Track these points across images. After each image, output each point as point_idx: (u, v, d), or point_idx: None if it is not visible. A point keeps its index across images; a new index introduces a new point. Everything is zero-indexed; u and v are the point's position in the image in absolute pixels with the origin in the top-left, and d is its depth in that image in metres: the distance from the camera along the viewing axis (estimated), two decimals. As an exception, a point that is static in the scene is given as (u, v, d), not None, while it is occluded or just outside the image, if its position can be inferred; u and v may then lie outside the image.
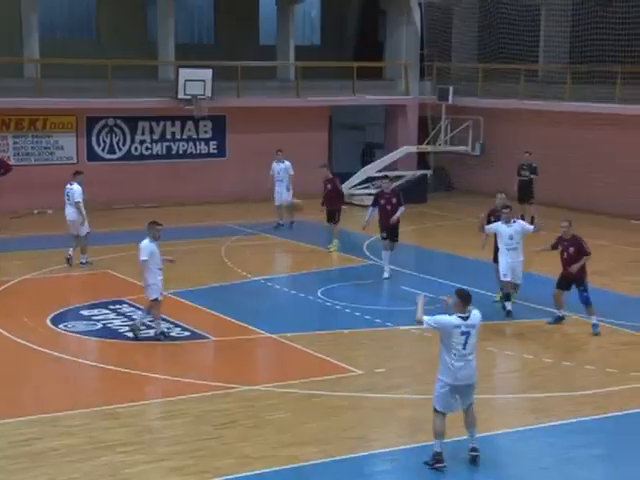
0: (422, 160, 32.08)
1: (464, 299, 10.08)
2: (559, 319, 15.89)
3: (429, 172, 31.29)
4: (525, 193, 25.03)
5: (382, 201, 18.95)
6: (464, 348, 9.96)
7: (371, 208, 19.37)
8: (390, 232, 18.95)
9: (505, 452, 11.24)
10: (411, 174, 30.20)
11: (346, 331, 15.62)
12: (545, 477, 10.29)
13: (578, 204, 26.71)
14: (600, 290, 17.64)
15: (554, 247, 15.75)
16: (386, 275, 19.03)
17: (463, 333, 9.96)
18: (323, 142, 30.92)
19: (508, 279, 16.12)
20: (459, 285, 18.46)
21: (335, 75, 31.24)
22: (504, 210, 16.27)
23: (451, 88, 30.46)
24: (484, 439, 10.93)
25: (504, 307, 16.27)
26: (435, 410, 10.21)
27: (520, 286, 16.39)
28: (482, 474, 10.31)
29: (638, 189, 24.55)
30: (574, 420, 11.82)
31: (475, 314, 10.15)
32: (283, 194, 24.68)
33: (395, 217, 18.75)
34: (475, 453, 10.29)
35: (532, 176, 25.06)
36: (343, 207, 22.71)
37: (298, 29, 34.14)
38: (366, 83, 31.27)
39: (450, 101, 30.41)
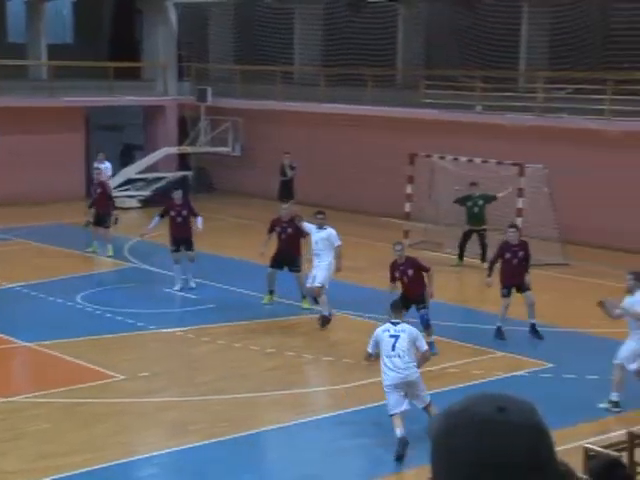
0: (183, 161, 31.97)
1: (392, 308, 11.18)
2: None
3: (190, 173, 31.24)
4: (286, 192, 25.60)
5: (172, 212, 18.24)
6: (392, 350, 10.71)
7: (157, 218, 18.51)
8: (185, 243, 18.29)
9: (271, 449, 11.42)
10: (172, 175, 30.03)
11: (108, 336, 15.29)
12: (313, 469, 10.54)
13: (336, 203, 27.50)
14: (359, 286, 18.35)
15: (393, 279, 14.57)
16: (177, 287, 18.28)
17: (392, 336, 10.78)
18: (79, 143, 30.10)
19: (307, 284, 16.24)
20: (225, 287, 18.63)
21: (91, 75, 30.49)
22: (318, 216, 16.28)
23: (209, 89, 30.56)
24: (248, 437, 11.06)
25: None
26: (390, 416, 10.71)
27: (323, 289, 15.80)
28: (245, 472, 10.42)
29: (391, 188, 25.56)
30: (336, 413, 12.17)
31: (408, 326, 11.04)
32: None
33: (199, 229, 18.14)
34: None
35: (291, 173, 25.75)
36: (113, 212, 21.93)
37: (50, 27, 33.00)
38: (123, 83, 30.73)
39: (209, 102, 30.50)
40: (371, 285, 17.98)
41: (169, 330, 15.71)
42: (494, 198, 20.63)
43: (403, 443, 10.53)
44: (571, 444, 9.76)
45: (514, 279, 15.09)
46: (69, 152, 29.31)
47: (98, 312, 16.70)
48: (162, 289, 18.49)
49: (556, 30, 24.73)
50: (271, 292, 17.23)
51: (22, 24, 32.62)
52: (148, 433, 11.45)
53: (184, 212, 18.24)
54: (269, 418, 12.00)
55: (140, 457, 10.65)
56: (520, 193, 20.90)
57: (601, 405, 12.27)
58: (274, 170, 26.40)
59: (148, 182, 29.88)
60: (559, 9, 24.58)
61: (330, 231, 16.15)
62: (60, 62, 29.77)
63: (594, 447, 8.45)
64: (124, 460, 10.46)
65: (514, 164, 21.20)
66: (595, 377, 13.40)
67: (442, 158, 22.92)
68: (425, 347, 11.13)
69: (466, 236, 20.65)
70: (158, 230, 18.98)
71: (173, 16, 32.16)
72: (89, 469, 10.14)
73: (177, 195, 18.41)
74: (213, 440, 10.98)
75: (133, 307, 17.04)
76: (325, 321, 15.76)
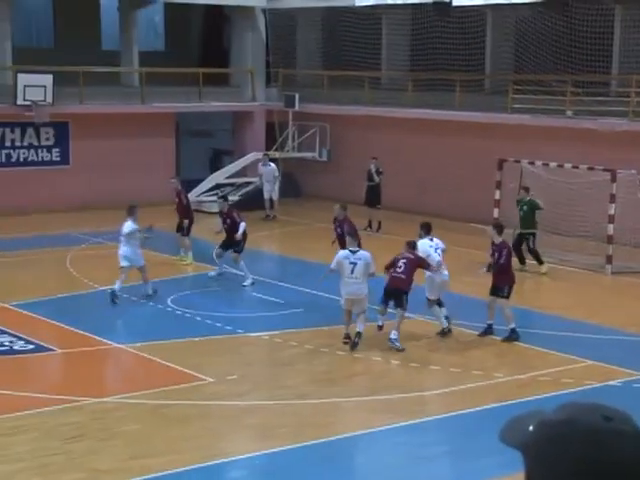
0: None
1: (350, 235, 15.09)
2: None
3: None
4: (373, 198, 25.61)
5: (220, 219, 19.93)
6: (352, 273, 14.36)
7: (220, 219, 20.04)
8: (234, 246, 19.43)
9: (358, 453, 11.42)
10: (259, 180, 30.26)
11: (197, 339, 15.49)
12: (398, 475, 10.50)
13: (422, 208, 27.38)
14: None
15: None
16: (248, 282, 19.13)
17: (351, 263, 14.37)
18: (169, 149, 30.63)
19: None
20: (308, 290, 18.70)
21: (180, 81, 31.00)
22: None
23: (297, 95, 30.75)
24: (336, 442, 11.06)
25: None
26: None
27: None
28: (337, 474, 10.44)
29: (475, 193, 25.36)
30: (423, 419, 12.11)
31: (363, 252, 14.58)
32: None
33: (238, 235, 19.20)
34: (357, 339, 14.50)
35: (379, 178, 25.73)
36: (186, 220, 21.93)
37: (142, 34, 33.66)
38: (212, 89, 31.16)
39: (296, 107, 30.70)
40: (455, 291, 17.82)
41: (257, 334, 15.84)
42: (539, 208, 20.74)
43: (358, 334, 14.39)
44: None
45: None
46: (159, 157, 29.84)
47: (188, 315, 16.93)
48: (251, 293, 18.66)
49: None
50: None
51: (115, 32, 33.34)
52: (232, 437, 11.54)
53: (228, 220, 19.66)
54: (356, 423, 11.99)
55: (223, 461, 10.72)
56: (612, 199, 20.51)
57: None
58: (360, 175, 26.41)
59: (237, 187, 30.22)
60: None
61: None
62: (151, 69, 30.33)
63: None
64: (207, 463, 10.54)
65: (606, 170, 20.81)
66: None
67: (531, 164, 22.62)
68: (373, 269, 14.47)
69: (518, 240, 20.75)
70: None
71: (261, 22, 32.47)
72: (174, 471, 10.24)
73: (221, 205, 20.22)
74: (298, 444, 11.02)
75: (221, 311, 17.23)
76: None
